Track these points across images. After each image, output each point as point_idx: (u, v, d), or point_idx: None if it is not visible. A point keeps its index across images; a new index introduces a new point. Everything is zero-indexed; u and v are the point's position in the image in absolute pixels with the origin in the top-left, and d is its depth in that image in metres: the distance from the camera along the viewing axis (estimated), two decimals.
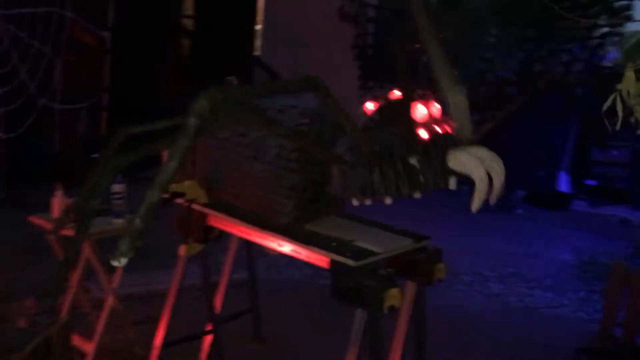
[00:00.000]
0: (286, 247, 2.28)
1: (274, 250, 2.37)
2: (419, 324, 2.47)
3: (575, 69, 6.01)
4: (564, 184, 7.27)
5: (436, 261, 2.33)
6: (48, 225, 3.02)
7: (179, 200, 2.59)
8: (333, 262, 2.12)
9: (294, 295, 4.24)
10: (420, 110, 1.96)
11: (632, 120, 0.96)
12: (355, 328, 2.17)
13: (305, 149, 2.05)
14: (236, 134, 2.43)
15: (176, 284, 2.76)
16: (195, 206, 2.58)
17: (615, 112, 1.01)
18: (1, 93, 4.90)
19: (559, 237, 6.16)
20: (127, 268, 3.30)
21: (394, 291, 2.04)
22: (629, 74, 0.90)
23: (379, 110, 2.02)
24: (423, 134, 1.92)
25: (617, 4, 5.60)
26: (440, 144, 1.90)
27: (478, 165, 1.80)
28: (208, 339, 3.13)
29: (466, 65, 6.54)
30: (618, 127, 0.96)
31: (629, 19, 5.33)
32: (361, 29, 7.25)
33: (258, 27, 9.14)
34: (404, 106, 1.95)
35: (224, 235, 2.79)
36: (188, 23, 8.13)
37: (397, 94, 2.02)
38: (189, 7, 8.03)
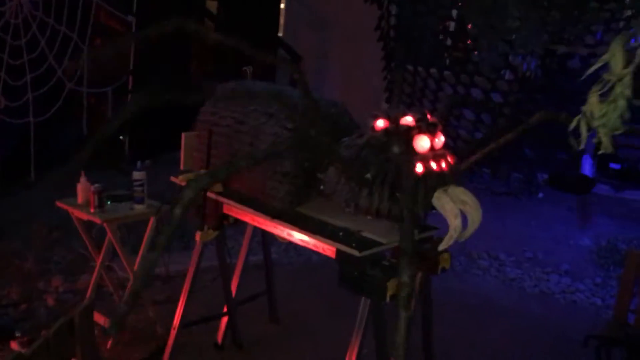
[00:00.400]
0: (295, 236, 2.37)
1: (284, 238, 2.46)
2: (425, 312, 2.55)
3: (600, 52, 5.92)
4: (587, 167, 7.20)
5: (441, 251, 2.39)
6: (73, 210, 3.16)
7: None
8: (339, 252, 2.20)
9: (311, 277, 4.35)
10: (423, 143, 2.04)
11: (594, 140, 1.01)
12: (360, 315, 2.27)
13: (301, 138, 2.13)
14: (236, 121, 2.56)
15: (193, 268, 2.87)
16: (210, 194, 2.68)
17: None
18: (30, 79, 5.05)
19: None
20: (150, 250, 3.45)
21: (397, 281, 2.11)
22: (593, 98, 0.95)
23: (385, 132, 2.09)
24: (419, 168, 2.00)
25: None
26: (430, 182, 2.00)
27: (457, 215, 1.93)
28: (225, 320, 3.26)
29: (490, 48, 6.49)
30: (582, 146, 1.01)
31: None
32: (384, 10, 7.21)
33: (282, 5, 9.14)
34: (409, 136, 2.03)
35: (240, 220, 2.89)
36: (212, 5, 8.19)
37: (408, 120, 2.08)
38: None
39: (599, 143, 0.99)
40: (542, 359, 3.55)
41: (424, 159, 2.06)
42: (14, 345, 3.11)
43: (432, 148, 2.11)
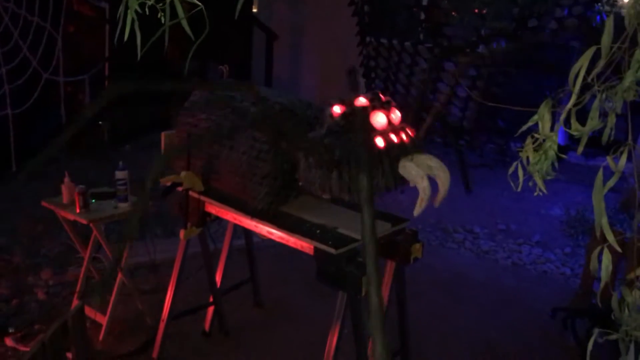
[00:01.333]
0: (275, 234, 2.50)
1: (264, 236, 2.59)
2: (400, 300, 2.70)
3: (570, 24, 6.04)
4: (560, 135, 7.38)
5: (413, 242, 2.54)
6: (59, 210, 3.25)
7: (179, 189, 2.80)
8: (316, 250, 2.34)
9: (294, 260, 4.47)
10: (380, 119, 2.14)
11: (530, 184, 1.15)
12: (337, 308, 2.42)
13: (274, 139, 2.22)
14: (214, 124, 2.65)
15: (179, 264, 2.99)
16: (192, 194, 2.78)
17: None
18: (6, 71, 5.05)
19: (551, 192, 6.25)
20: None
21: None
22: (528, 146, 1.08)
23: (343, 116, 2.19)
24: (380, 142, 2.10)
25: None
26: (393, 153, 2.10)
27: (423, 177, 2.02)
28: (211, 308, 3.41)
29: (462, 22, 6.58)
30: (519, 189, 1.14)
31: None
32: None
33: None
34: (366, 115, 2.13)
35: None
36: None
37: (362, 101, 2.18)
38: None
39: (536, 186, 1.12)
40: (512, 331, 3.75)
41: (384, 133, 2.17)
42: (9, 341, 3.24)
43: (390, 123, 2.22)
